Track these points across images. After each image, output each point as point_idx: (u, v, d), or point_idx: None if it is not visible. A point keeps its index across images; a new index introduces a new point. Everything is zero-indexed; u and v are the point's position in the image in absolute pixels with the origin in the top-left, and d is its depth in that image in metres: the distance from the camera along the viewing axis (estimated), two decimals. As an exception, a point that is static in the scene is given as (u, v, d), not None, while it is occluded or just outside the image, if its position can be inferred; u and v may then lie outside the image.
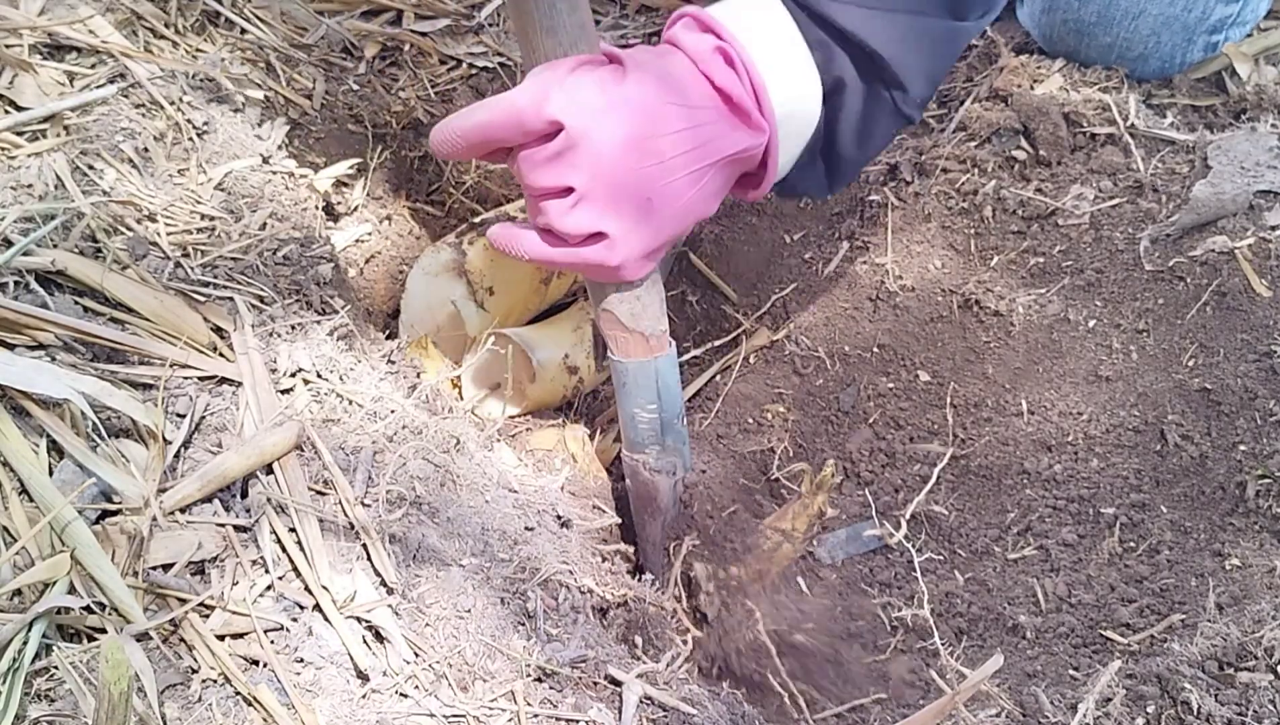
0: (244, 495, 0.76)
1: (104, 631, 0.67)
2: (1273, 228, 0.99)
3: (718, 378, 1.16)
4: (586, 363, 1.11)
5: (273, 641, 0.69)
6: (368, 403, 0.86)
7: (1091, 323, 1.04)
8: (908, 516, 1.02)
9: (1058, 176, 1.07)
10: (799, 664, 0.94)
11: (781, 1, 0.84)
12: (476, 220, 1.16)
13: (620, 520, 1.01)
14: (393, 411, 0.86)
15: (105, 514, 0.73)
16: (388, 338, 1.08)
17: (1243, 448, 0.94)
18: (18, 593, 0.68)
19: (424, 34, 1.36)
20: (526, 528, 0.85)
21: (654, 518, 0.98)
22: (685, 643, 0.94)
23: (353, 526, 0.76)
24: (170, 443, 0.77)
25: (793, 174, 0.88)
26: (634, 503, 1.00)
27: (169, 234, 0.93)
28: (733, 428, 1.11)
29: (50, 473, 0.73)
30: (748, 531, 1.04)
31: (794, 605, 0.98)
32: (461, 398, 1.05)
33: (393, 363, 0.97)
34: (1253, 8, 1.11)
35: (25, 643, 0.65)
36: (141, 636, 0.68)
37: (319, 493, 0.77)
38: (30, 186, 0.92)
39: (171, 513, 0.73)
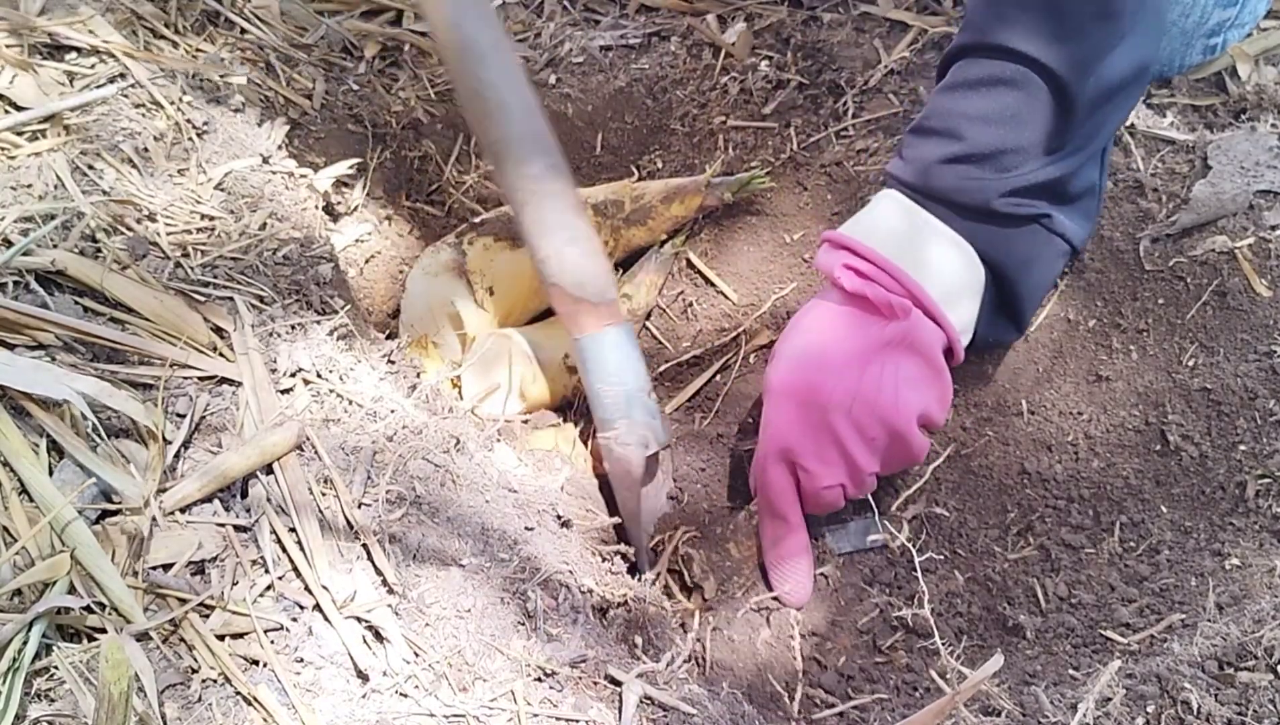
0: (244, 495, 0.76)
1: (104, 631, 0.67)
2: (1273, 228, 0.99)
3: (718, 378, 1.16)
4: None
5: (273, 641, 0.69)
6: (368, 403, 0.86)
7: (1091, 323, 1.04)
8: (909, 518, 1.02)
9: (1058, 176, 1.07)
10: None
11: (908, 196, 0.95)
12: (477, 220, 1.16)
13: (620, 520, 1.01)
14: (393, 411, 0.86)
15: (105, 514, 0.73)
16: (388, 338, 1.08)
17: (1243, 448, 0.94)
18: (18, 593, 0.68)
19: (424, 34, 1.36)
20: (526, 528, 0.85)
21: (630, 492, 0.99)
22: (685, 641, 0.95)
23: (352, 526, 0.76)
24: (170, 443, 0.77)
25: (981, 330, 0.98)
26: (612, 482, 1.01)
27: (169, 234, 0.93)
28: (733, 428, 1.11)
29: (50, 473, 0.73)
30: (744, 515, 1.04)
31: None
32: (461, 398, 1.05)
33: (393, 363, 0.97)
34: (1251, 9, 1.11)
35: (25, 643, 0.65)
36: (141, 636, 0.68)
37: (319, 493, 0.77)
38: (30, 186, 0.92)
39: (171, 513, 0.73)
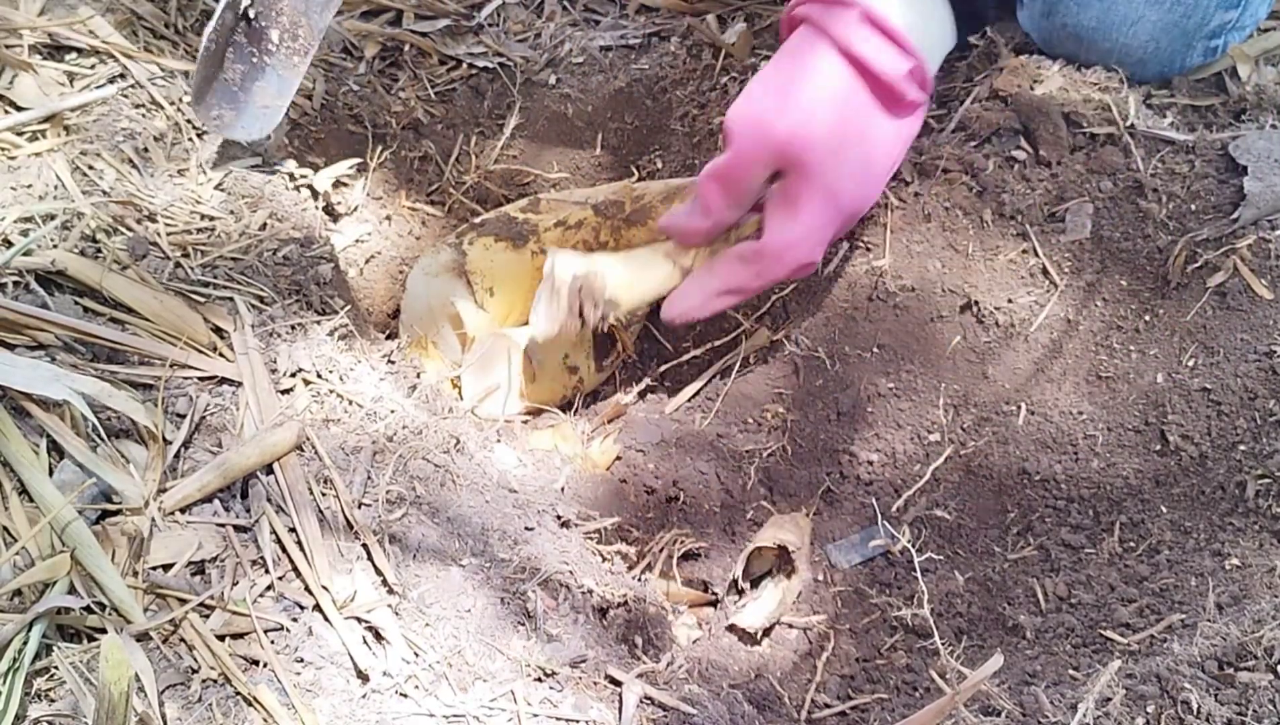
0: (244, 495, 0.76)
1: (104, 631, 0.67)
2: (1273, 227, 0.99)
3: (718, 378, 1.16)
4: (586, 363, 1.11)
5: (273, 641, 0.69)
6: (367, 403, 0.86)
7: (1091, 323, 1.04)
8: (910, 520, 1.02)
9: (1058, 176, 1.07)
10: None
11: None
12: (477, 220, 1.16)
13: (619, 519, 1.01)
14: (393, 411, 0.86)
15: (105, 514, 0.73)
16: (388, 338, 1.08)
17: (1243, 448, 0.94)
18: (18, 593, 0.68)
19: (424, 34, 1.36)
20: (526, 528, 0.85)
21: None
22: (685, 641, 0.95)
23: (352, 526, 0.76)
24: (170, 443, 0.77)
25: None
26: None
27: (169, 234, 0.93)
28: (733, 428, 1.11)
29: (50, 473, 0.73)
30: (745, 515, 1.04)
31: None
32: (461, 398, 1.05)
33: (393, 363, 0.97)
34: (1252, 12, 1.11)
35: (25, 643, 0.65)
36: (141, 636, 0.68)
37: (319, 493, 0.77)
38: (30, 186, 0.92)
39: (171, 513, 0.73)
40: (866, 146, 0.96)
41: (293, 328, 0.89)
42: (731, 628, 0.96)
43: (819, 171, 0.95)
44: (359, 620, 0.71)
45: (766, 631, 0.96)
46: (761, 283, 1.00)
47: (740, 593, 0.99)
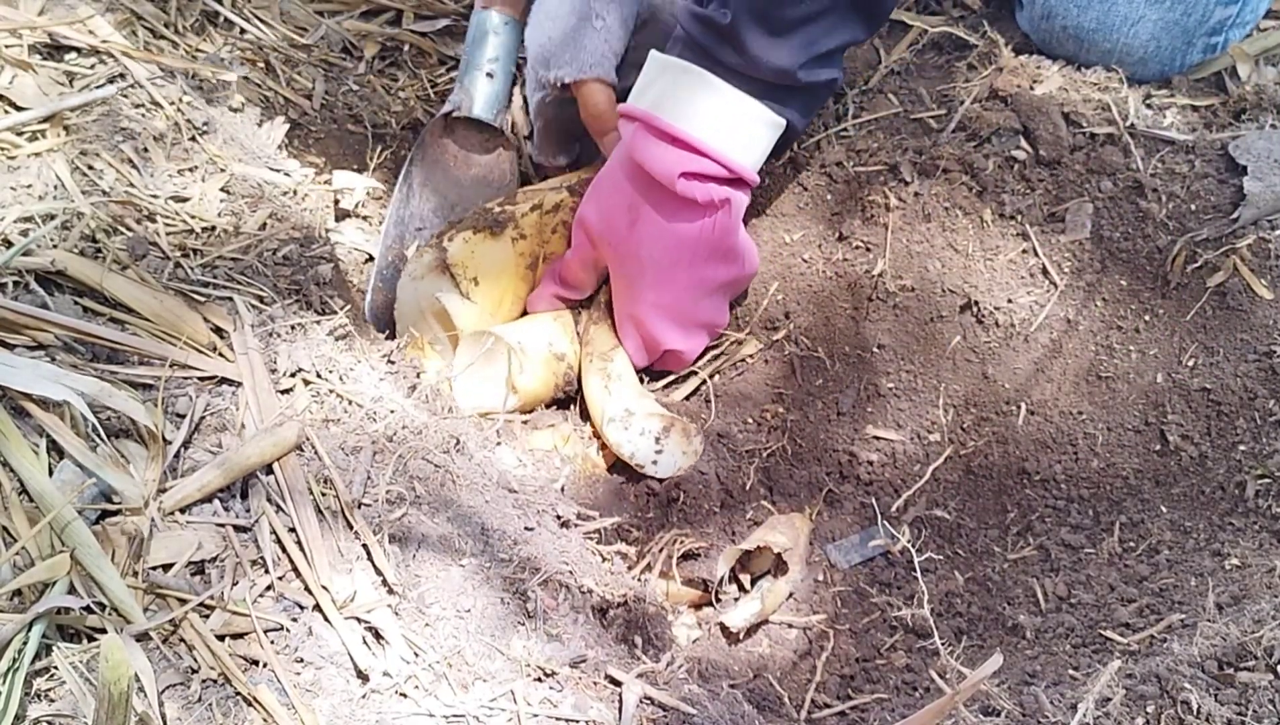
0: (244, 495, 0.76)
1: (104, 631, 0.67)
2: (1273, 227, 0.99)
3: (716, 377, 1.16)
4: (572, 347, 1.11)
5: (273, 642, 0.69)
6: (367, 403, 0.86)
7: (1091, 323, 1.04)
8: (910, 520, 1.02)
9: (1058, 176, 1.07)
10: None
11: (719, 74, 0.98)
12: (453, 218, 1.16)
13: (619, 519, 1.01)
14: (392, 411, 0.86)
15: (105, 514, 0.73)
16: (387, 338, 1.08)
17: (1243, 448, 0.94)
18: (18, 593, 0.68)
19: (423, 34, 1.36)
20: (526, 528, 0.85)
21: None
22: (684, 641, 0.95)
23: (352, 526, 0.76)
24: (170, 443, 0.77)
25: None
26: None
27: (169, 234, 0.93)
28: (733, 427, 1.11)
29: (50, 473, 0.73)
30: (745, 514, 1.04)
31: None
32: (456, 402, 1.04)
33: (393, 363, 0.97)
34: (1252, 8, 1.11)
35: (25, 643, 0.65)
36: (141, 636, 0.68)
37: (319, 493, 0.77)
38: (30, 186, 0.92)
39: (171, 513, 0.74)
40: (655, 245, 1.04)
41: (292, 328, 0.89)
42: (720, 626, 0.96)
43: (620, 273, 1.08)
44: (359, 620, 0.71)
45: (752, 630, 0.96)
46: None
47: (743, 591, 0.99)
